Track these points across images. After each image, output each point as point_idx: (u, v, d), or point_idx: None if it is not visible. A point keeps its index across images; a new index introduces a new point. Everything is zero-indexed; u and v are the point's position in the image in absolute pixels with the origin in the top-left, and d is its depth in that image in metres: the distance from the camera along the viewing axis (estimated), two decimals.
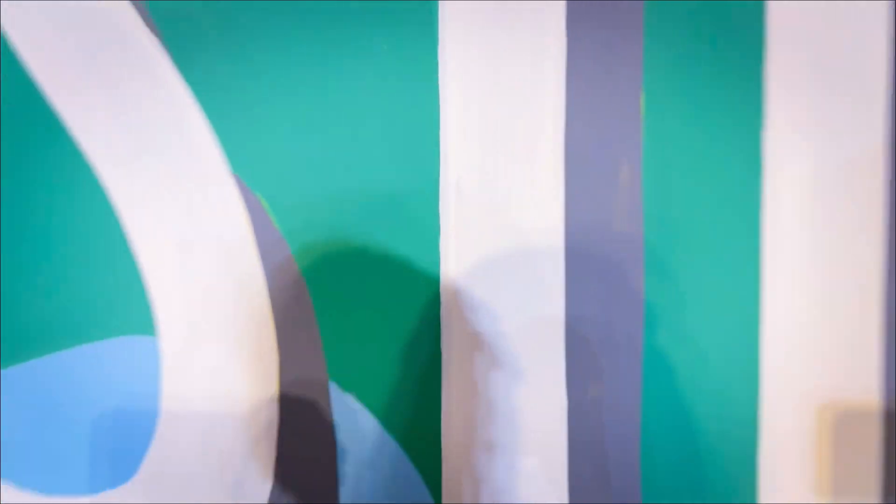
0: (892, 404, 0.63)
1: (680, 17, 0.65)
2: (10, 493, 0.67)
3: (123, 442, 0.65)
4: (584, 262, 0.65)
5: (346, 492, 0.65)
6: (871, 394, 0.64)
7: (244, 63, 0.65)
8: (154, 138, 0.65)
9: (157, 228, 0.65)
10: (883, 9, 0.64)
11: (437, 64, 0.64)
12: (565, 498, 0.66)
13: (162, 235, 0.65)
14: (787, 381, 0.65)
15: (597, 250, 0.64)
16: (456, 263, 0.65)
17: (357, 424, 0.65)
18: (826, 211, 0.64)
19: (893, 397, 0.62)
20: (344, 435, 0.65)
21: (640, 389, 0.65)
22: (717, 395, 0.66)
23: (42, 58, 0.66)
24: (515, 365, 0.69)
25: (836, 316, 0.64)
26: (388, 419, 0.64)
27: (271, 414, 0.66)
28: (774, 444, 0.66)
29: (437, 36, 0.64)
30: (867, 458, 0.64)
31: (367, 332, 0.65)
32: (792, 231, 0.64)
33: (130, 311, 0.65)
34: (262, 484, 0.65)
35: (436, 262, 0.65)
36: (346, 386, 0.65)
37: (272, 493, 0.65)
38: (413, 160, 0.64)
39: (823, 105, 0.64)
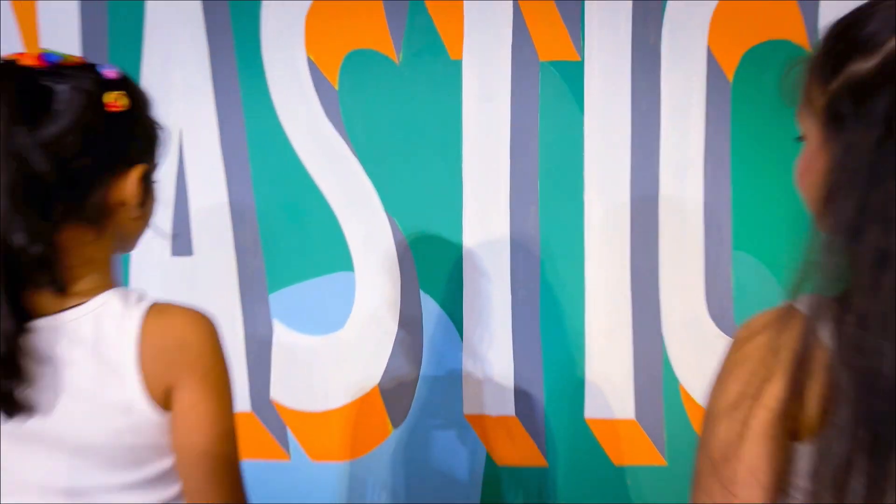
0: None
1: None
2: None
3: (332, 310, 1.47)
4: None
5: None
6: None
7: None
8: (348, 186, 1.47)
9: (356, 227, 1.48)
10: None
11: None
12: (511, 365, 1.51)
13: (357, 228, 1.46)
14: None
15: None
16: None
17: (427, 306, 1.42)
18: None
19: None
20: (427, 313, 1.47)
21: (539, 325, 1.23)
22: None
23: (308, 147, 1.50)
24: (492, 285, 1.27)
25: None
26: (444, 304, 1.49)
27: (413, 313, 1.47)
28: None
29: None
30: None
31: (439, 271, 1.38)
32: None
33: (344, 261, 1.43)
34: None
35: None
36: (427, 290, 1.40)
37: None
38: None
39: None
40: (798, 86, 0.65)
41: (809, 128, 0.65)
